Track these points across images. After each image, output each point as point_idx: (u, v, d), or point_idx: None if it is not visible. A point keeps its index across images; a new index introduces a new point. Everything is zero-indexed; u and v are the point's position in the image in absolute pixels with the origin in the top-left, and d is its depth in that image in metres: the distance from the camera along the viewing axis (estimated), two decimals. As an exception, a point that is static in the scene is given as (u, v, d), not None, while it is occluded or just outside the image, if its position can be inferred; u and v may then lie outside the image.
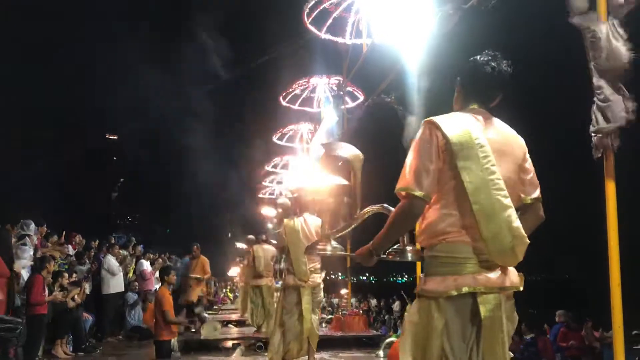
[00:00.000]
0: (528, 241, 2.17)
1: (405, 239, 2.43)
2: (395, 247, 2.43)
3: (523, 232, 2.16)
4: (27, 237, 7.79)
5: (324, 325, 9.73)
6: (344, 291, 9.67)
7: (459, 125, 2.20)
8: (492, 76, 2.27)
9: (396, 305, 22.68)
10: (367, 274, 78.73)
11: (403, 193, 2.18)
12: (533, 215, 2.31)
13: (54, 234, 9.47)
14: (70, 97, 24.56)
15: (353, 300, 11.52)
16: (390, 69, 7.82)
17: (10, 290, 5.75)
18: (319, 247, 2.82)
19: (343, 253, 2.96)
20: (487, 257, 2.11)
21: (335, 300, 21.55)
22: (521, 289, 2.19)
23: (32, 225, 8.82)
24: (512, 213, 2.14)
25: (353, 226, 2.71)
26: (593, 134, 3.15)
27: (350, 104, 10.97)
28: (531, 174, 2.30)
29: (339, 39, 9.35)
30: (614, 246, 3.08)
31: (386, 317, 22.54)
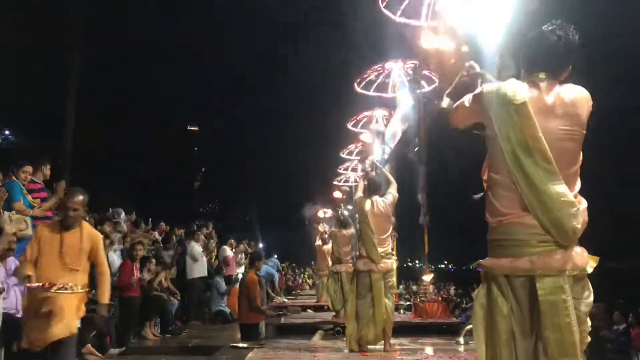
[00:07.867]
0: (580, 211, 2.06)
1: None
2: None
3: (575, 205, 2.05)
4: (117, 224, 8.32)
5: (402, 311, 9.65)
6: (426, 277, 9.48)
7: (513, 86, 2.16)
8: (559, 45, 2.17)
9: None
10: (446, 262, 77.37)
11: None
12: None
13: (141, 221, 9.97)
14: (153, 92, 25.63)
15: (432, 287, 11.34)
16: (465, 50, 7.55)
17: None
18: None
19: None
20: (548, 238, 2.03)
21: (414, 288, 21.35)
22: (589, 270, 2.07)
23: (122, 214, 9.36)
24: (563, 190, 2.04)
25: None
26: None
27: (426, 88, 10.71)
28: None
29: (415, 22, 9.13)
30: None
31: (467, 305, 22.11)
